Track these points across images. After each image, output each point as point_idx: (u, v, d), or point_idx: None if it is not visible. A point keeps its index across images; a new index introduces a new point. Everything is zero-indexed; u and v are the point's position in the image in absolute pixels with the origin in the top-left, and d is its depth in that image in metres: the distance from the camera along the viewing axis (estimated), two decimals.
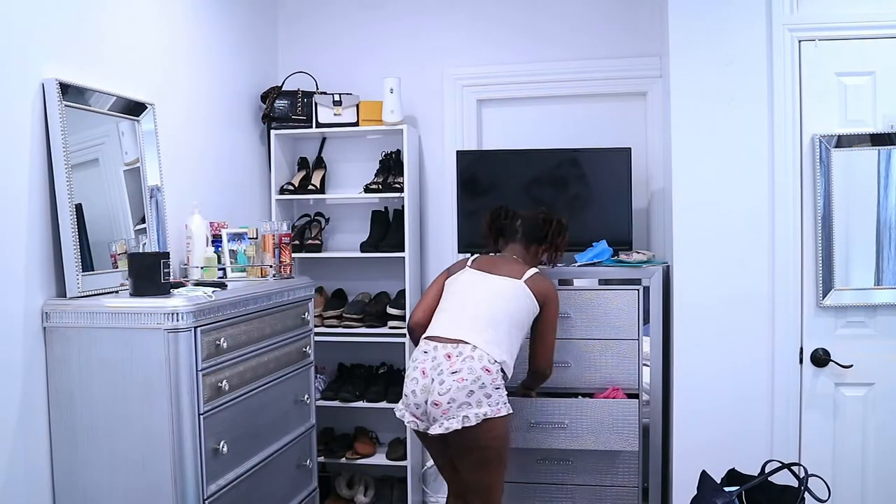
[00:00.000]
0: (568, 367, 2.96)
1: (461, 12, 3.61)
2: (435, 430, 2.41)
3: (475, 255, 2.82)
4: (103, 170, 2.43)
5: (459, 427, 2.37)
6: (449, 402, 2.37)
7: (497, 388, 2.43)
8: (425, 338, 2.58)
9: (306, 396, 2.87)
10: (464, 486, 2.58)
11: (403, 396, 2.53)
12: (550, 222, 2.80)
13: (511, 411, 2.48)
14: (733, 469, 2.31)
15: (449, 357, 2.45)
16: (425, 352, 2.52)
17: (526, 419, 2.95)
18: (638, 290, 2.92)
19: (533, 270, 2.68)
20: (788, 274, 2.67)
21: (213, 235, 2.81)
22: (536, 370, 2.74)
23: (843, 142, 2.59)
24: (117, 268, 2.38)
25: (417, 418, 2.49)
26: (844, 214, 2.61)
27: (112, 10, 2.50)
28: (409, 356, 2.69)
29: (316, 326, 3.14)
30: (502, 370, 2.50)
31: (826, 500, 2.09)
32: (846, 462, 2.66)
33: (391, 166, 3.56)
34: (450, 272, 2.79)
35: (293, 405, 2.77)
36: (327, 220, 3.73)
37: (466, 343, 2.47)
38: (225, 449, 2.24)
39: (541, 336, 2.70)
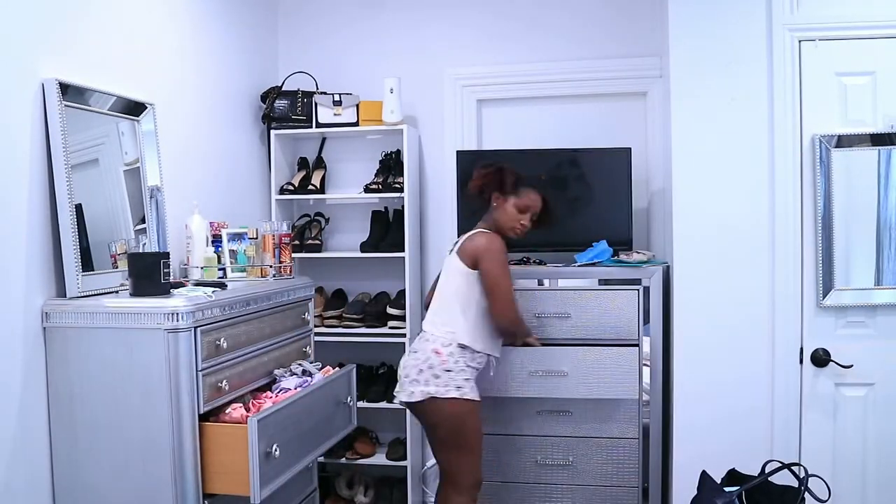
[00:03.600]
0: (566, 372, 2.95)
1: (461, 12, 3.60)
2: (399, 397, 2.66)
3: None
4: (103, 170, 2.43)
5: (407, 400, 2.61)
6: (406, 376, 2.63)
7: (447, 371, 2.56)
8: None
9: None
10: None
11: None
12: (487, 173, 2.75)
13: (468, 397, 2.57)
14: (733, 469, 2.31)
15: (419, 339, 2.70)
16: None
17: (531, 408, 2.95)
18: (638, 290, 2.92)
19: (466, 235, 2.71)
20: (788, 274, 2.66)
21: (213, 235, 2.81)
22: (498, 328, 2.69)
23: (843, 142, 2.59)
24: (117, 268, 2.37)
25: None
26: (844, 214, 2.61)
27: (112, 11, 2.49)
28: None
29: (316, 326, 3.14)
30: (465, 349, 2.60)
31: (826, 501, 2.09)
32: (846, 462, 2.66)
33: (391, 166, 3.56)
34: None
35: None
36: (327, 220, 3.73)
37: (426, 330, 2.70)
38: None
39: (489, 293, 2.61)
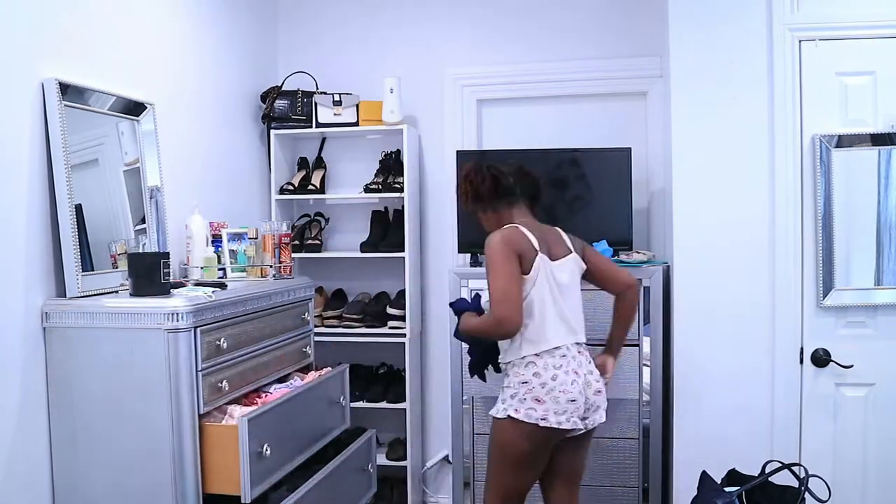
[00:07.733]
0: None
1: (461, 12, 3.60)
2: (595, 420, 2.35)
3: (529, 231, 2.36)
4: (103, 170, 2.43)
5: (601, 422, 2.37)
6: (599, 405, 2.35)
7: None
8: (546, 350, 2.31)
9: None
10: (572, 479, 2.46)
11: (563, 402, 2.25)
12: (535, 177, 2.56)
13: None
14: (734, 469, 2.31)
15: (580, 353, 2.37)
16: (563, 355, 2.30)
17: None
18: (638, 290, 2.91)
19: (566, 235, 2.47)
20: (789, 274, 2.66)
21: (213, 235, 2.81)
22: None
23: (843, 142, 2.59)
24: (117, 268, 2.37)
25: (580, 418, 2.30)
26: (845, 214, 2.61)
27: (112, 10, 2.50)
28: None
29: (316, 326, 3.14)
30: None
31: (826, 501, 2.09)
32: (847, 462, 2.66)
33: (391, 166, 3.56)
34: (523, 256, 2.30)
35: None
36: (327, 220, 3.73)
37: (581, 343, 2.39)
38: None
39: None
